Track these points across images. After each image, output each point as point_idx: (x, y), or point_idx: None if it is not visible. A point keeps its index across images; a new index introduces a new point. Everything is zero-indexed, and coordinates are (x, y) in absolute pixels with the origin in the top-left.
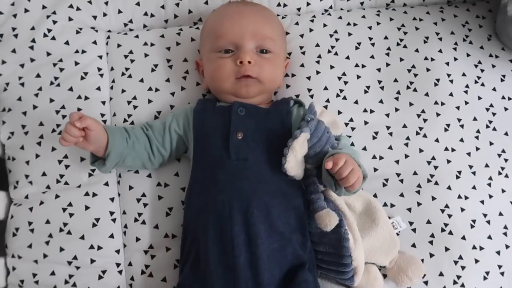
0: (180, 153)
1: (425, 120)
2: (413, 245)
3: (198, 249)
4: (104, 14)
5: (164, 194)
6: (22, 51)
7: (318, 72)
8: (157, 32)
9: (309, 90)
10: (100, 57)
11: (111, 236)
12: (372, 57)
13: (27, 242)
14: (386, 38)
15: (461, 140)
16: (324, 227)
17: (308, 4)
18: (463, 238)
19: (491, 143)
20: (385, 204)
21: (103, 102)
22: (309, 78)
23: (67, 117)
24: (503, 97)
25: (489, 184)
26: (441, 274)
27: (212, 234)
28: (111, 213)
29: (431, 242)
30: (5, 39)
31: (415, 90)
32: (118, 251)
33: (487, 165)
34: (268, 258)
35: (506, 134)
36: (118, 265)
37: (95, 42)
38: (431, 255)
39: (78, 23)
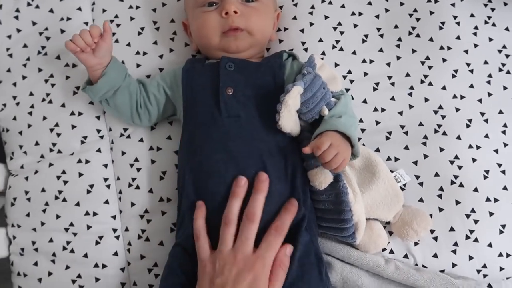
0: (168, 113)
1: (430, 67)
2: (421, 200)
3: (193, 211)
4: None
5: (157, 158)
6: (7, 22)
7: (311, 24)
8: None
9: (303, 43)
10: (86, 23)
11: (106, 202)
12: (369, 3)
13: (25, 211)
14: None
15: (471, 86)
16: (318, 185)
17: None
18: (476, 190)
19: (505, 88)
20: (388, 158)
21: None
22: (302, 30)
23: (57, 84)
24: None
25: (504, 132)
26: (452, 229)
27: (208, 195)
28: (105, 179)
29: (440, 196)
30: None
31: (417, 35)
32: (114, 217)
33: (501, 112)
34: (272, 216)
35: None
36: (114, 230)
37: (79, 9)
38: (440, 210)
39: None
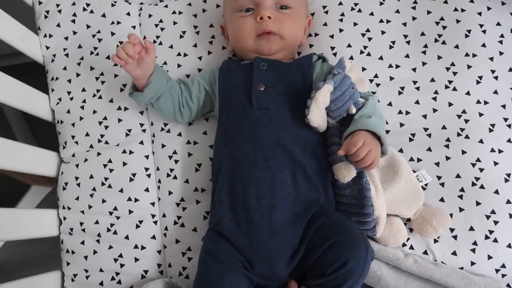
0: (207, 110)
1: (454, 73)
2: (442, 200)
3: (223, 198)
4: None
5: (194, 151)
6: (65, 25)
7: (341, 30)
8: (184, 1)
9: (332, 48)
10: (134, 27)
11: (147, 190)
12: (397, 11)
13: (75, 195)
14: None
15: (495, 92)
16: (342, 178)
17: None
18: (496, 192)
19: None
20: (411, 159)
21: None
22: (332, 36)
23: (106, 82)
24: None
25: None
26: (471, 229)
27: (237, 180)
28: (146, 169)
29: (460, 197)
30: (51, 15)
31: (443, 43)
32: (153, 204)
33: None
34: (291, 200)
35: None
36: (153, 216)
37: (128, 14)
38: (461, 210)
39: None
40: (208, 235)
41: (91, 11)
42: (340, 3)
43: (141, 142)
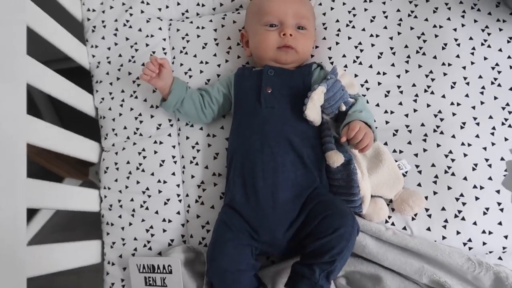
0: (226, 110)
1: (432, 79)
2: (419, 185)
3: (235, 180)
4: (167, 7)
5: (212, 143)
6: (108, 38)
7: (337, 43)
8: (206, 18)
9: (330, 58)
10: (164, 39)
11: (173, 173)
12: (385, 27)
13: (114, 177)
14: (398, 10)
15: (467, 95)
16: (332, 164)
17: None
18: (465, 179)
19: (495, 98)
20: (394, 151)
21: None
22: (330, 48)
23: (141, 85)
24: (509, 57)
25: (492, 133)
26: (443, 209)
27: (247, 165)
28: (173, 156)
29: (435, 182)
30: (97, 29)
31: (424, 54)
32: (178, 185)
33: (491, 117)
34: (289, 181)
35: (510, 89)
36: (178, 195)
37: (160, 28)
38: (435, 193)
39: (147, 15)
40: (223, 210)
41: (130, 26)
42: (337, 21)
43: (169, 135)
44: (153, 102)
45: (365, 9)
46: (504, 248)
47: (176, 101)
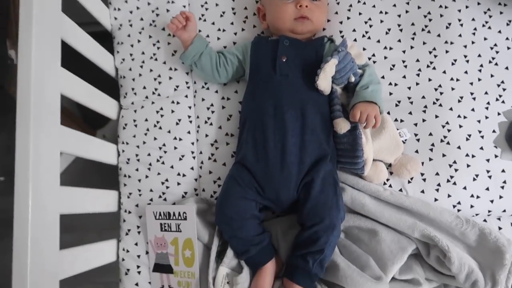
0: (239, 74)
1: (435, 56)
2: (416, 151)
3: (248, 140)
4: None
5: (226, 105)
6: (131, 1)
7: (348, 18)
8: None
9: (341, 31)
10: (184, 6)
11: (188, 132)
12: (394, 5)
13: (132, 133)
14: None
15: (466, 72)
16: (339, 130)
17: None
18: (459, 147)
19: (492, 75)
20: (396, 120)
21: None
22: (341, 22)
23: (161, 48)
24: (507, 38)
25: (487, 108)
26: (437, 174)
27: (259, 127)
28: (189, 116)
29: (431, 150)
30: None
31: (428, 32)
32: (192, 143)
33: (486, 93)
34: (297, 145)
35: (506, 68)
36: (192, 152)
37: None
38: (430, 159)
39: None
40: (234, 167)
41: None
42: None
43: (186, 96)
44: (172, 65)
45: None
46: (489, 211)
47: (195, 53)
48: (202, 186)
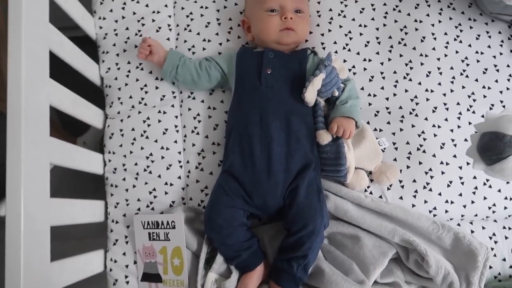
0: (220, 82)
1: (411, 68)
2: (395, 159)
3: (234, 149)
4: None
5: (212, 114)
6: (116, 11)
7: (329, 30)
8: None
9: (322, 43)
10: (169, 16)
11: (175, 141)
12: (372, 19)
13: (119, 143)
14: (384, 4)
15: (439, 83)
16: (321, 141)
17: None
18: (434, 155)
19: (463, 87)
20: (375, 129)
21: (171, 49)
22: (322, 34)
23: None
24: (477, 52)
25: (459, 118)
26: (414, 181)
27: (246, 137)
28: (175, 126)
29: (408, 158)
30: (106, 2)
31: (405, 45)
32: (179, 152)
33: (458, 103)
34: (283, 154)
35: (476, 80)
36: (179, 161)
37: (166, 6)
38: (408, 167)
39: None
40: (221, 176)
41: (138, 1)
42: (330, 10)
43: (172, 105)
44: (158, 75)
45: (356, 1)
46: (462, 215)
47: (171, 69)
48: (190, 195)
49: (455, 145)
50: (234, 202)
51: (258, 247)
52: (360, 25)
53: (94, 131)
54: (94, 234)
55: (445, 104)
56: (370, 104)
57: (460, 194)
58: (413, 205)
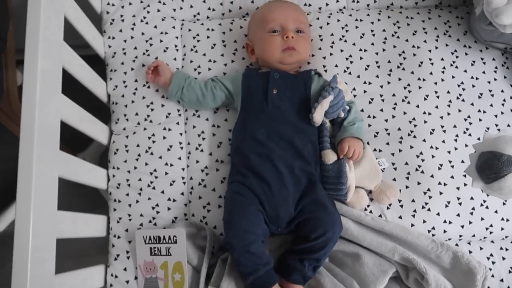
0: (227, 102)
1: (409, 91)
2: (394, 179)
3: (240, 167)
4: (181, 8)
5: (217, 133)
6: (125, 31)
7: (331, 54)
8: (216, 22)
9: (324, 66)
10: (177, 37)
11: (179, 158)
12: (372, 44)
13: (123, 159)
14: (384, 30)
15: (436, 107)
16: (327, 161)
17: (327, 4)
18: (432, 176)
19: (459, 110)
20: (375, 149)
21: (177, 69)
22: (324, 58)
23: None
24: (472, 77)
25: (456, 140)
26: (413, 201)
27: (253, 155)
28: (180, 143)
29: (407, 178)
30: (115, 22)
31: (403, 69)
32: (183, 169)
33: (455, 126)
34: (290, 172)
35: (472, 104)
36: (183, 178)
37: (173, 27)
38: (407, 187)
39: (163, 14)
40: (234, 185)
41: (146, 23)
42: (332, 34)
43: (177, 123)
44: (164, 93)
45: (356, 27)
46: (460, 236)
47: (177, 89)
48: (192, 211)
49: (452, 166)
50: (254, 202)
51: (272, 266)
52: (361, 50)
53: (94, 148)
54: (90, 253)
55: (442, 126)
56: (370, 125)
57: (458, 215)
58: (412, 225)
